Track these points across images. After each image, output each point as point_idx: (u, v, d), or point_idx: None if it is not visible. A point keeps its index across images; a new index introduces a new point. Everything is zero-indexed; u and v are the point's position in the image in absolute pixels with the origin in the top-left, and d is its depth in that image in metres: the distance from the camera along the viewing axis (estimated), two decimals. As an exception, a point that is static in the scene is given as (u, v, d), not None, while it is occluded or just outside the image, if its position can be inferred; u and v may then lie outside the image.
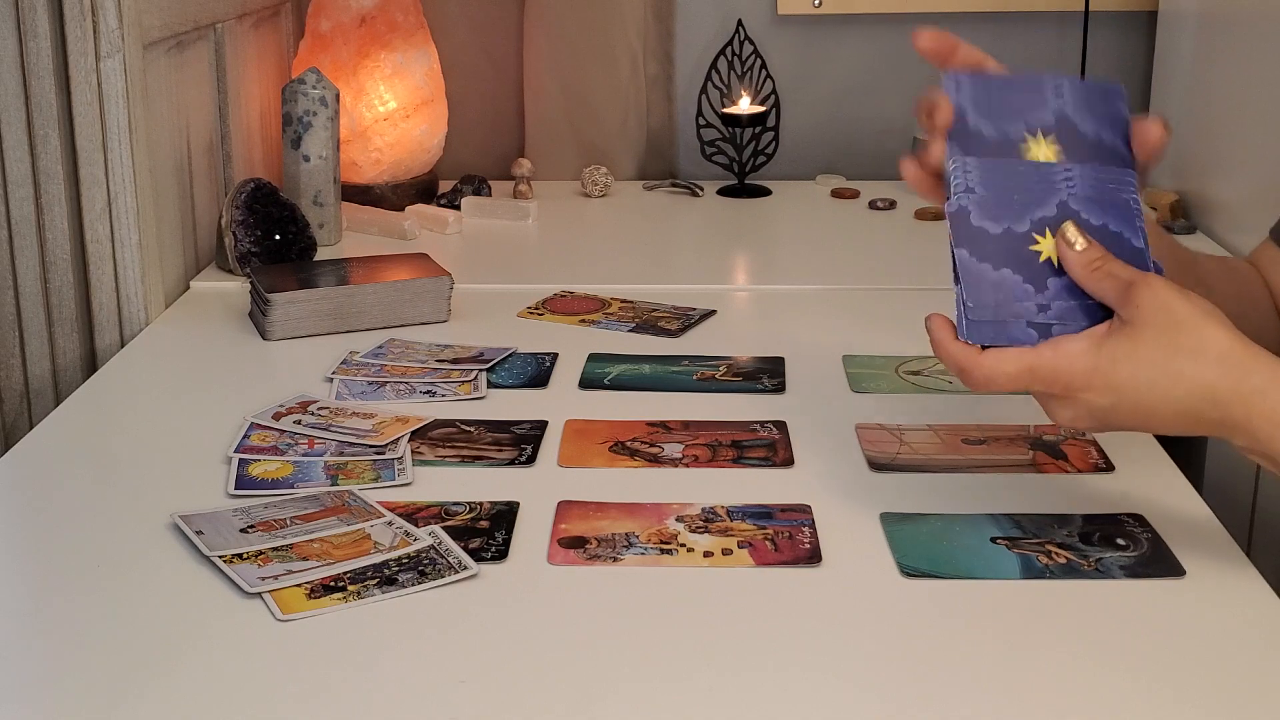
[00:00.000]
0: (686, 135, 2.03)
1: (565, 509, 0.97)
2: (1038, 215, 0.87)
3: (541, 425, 1.12)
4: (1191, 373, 0.80)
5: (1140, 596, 0.86)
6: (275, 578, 0.86)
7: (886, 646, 0.81)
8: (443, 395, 1.18)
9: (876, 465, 1.04)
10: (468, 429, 1.11)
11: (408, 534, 0.92)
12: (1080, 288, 0.85)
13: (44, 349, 1.35)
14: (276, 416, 1.12)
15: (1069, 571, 0.88)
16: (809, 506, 0.97)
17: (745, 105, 1.93)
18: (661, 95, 2.04)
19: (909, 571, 0.88)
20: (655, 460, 1.06)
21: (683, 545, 0.92)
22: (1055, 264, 0.86)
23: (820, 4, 1.99)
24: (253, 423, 1.11)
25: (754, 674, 0.78)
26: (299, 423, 1.10)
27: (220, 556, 0.89)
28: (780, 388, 1.20)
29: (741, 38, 1.96)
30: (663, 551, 0.91)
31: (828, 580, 0.88)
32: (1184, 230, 1.71)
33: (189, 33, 1.50)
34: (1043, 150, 0.89)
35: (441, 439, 1.09)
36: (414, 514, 0.96)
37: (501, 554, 0.91)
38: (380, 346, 1.29)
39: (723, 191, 1.93)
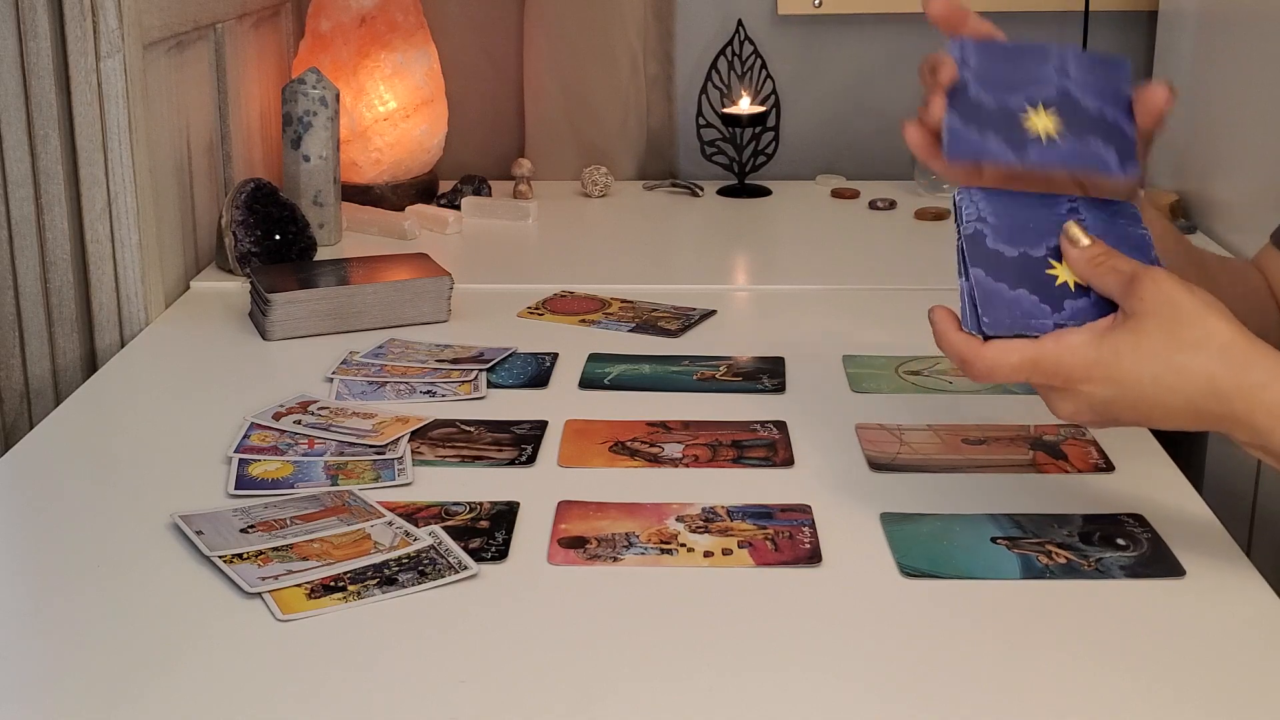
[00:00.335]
0: (686, 135, 2.03)
1: (565, 509, 0.97)
2: (1053, 244, 0.87)
3: (541, 425, 1.12)
4: (1194, 366, 0.80)
5: (1140, 596, 0.86)
6: (275, 578, 0.86)
7: (886, 646, 0.81)
8: (443, 395, 1.18)
9: (876, 465, 1.04)
10: (468, 429, 1.11)
11: (408, 534, 0.92)
12: (1096, 307, 0.85)
13: (44, 349, 1.35)
14: (276, 416, 1.12)
15: (1069, 571, 0.88)
16: (809, 506, 0.97)
17: (745, 105, 1.93)
18: (661, 95, 2.04)
19: (909, 571, 0.88)
20: (655, 460, 1.06)
21: (683, 545, 0.92)
22: (1072, 287, 0.85)
23: (820, 4, 1.99)
24: (253, 423, 1.11)
25: (754, 674, 0.78)
26: (299, 423, 1.10)
27: (220, 556, 0.89)
28: (780, 388, 1.20)
29: (741, 38, 1.96)
30: (663, 551, 0.91)
31: (828, 580, 0.88)
32: (1184, 230, 1.71)
33: (189, 33, 1.50)
34: (1043, 122, 0.89)
35: (441, 439, 1.09)
36: (414, 514, 0.96)
37: (501, 554, 0.91)
38: (380, 346, 1.30)
39: (723, 191, 1.93)
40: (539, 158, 1.98)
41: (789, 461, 1.05)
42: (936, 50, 0.90)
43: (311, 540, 0.91)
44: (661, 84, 2.03)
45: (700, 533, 0.94)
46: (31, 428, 1.17)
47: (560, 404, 1.16)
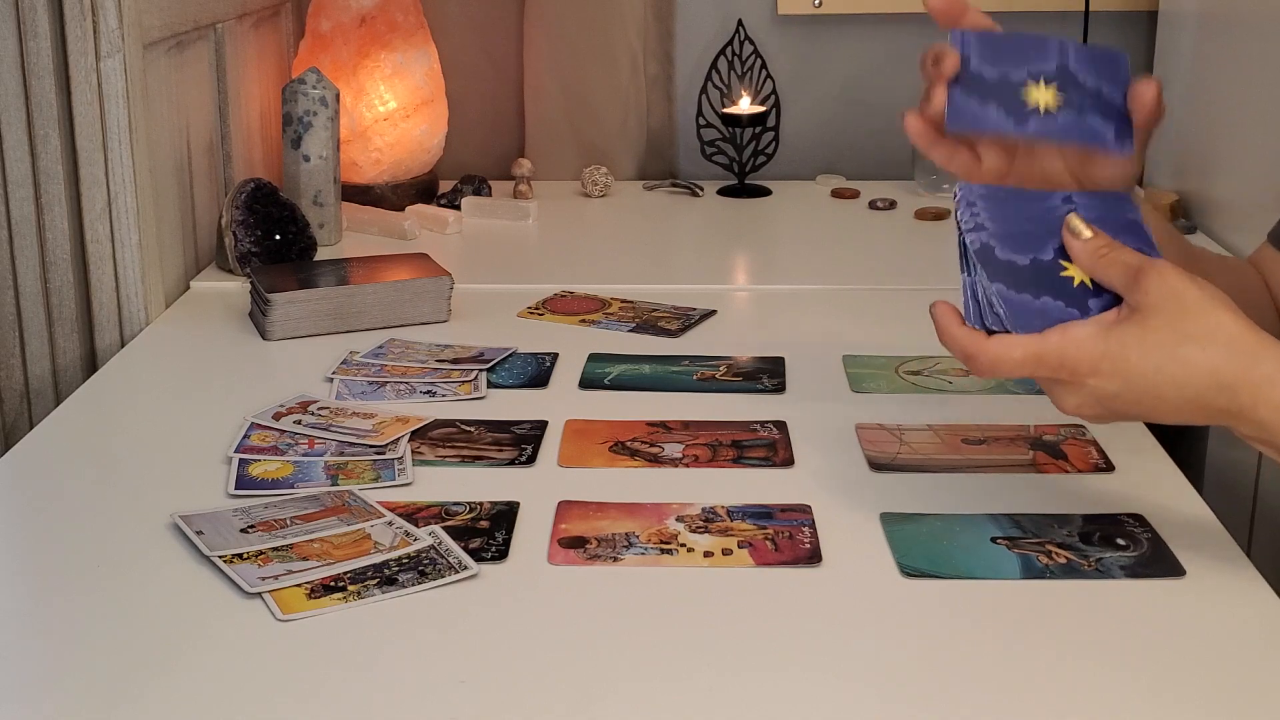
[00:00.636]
0: (686, 135, 2.03)
1: (565, 509, 0.97)
2: (1058, 244, 0.86)
3: (541, 425, 1.12)
4: (1200, 359, 0.80)
5: (1140, 596, 0.86)
6: (275, 578, 0.86)
7: (886, 646, 0.81)
8: (443, 395, 1.18)
9: (876, 465, 1.04)
10: (468, 429, 1.11)
11: (408, 534, 0.92)
12: (1118, 304, 0.85)
13: (44, 349, 1.35)
14: (276, 416, 1.12)
15: (1069, 571, 0.88)
16: (809, 506, 0.97)
17: (745, 105, 1.93)
18: (661, 95, 2.04)
19: (909, 571, 0.88)
20: (655, 460, 1.06)
21: (683, 545, 0.92)
22: (1090, 285, 0.85)
23: (820, 4, 1.99)
24: (253, 423, 1.11)
25: (754, 674, 0.78)
26: (299, 423, 1.11)
27: (220, 556, 0.89)
28: (780, 388, 1.20)
29: (741, 38, 1.96)
30: (663, 551, 0.91)
31: (828, 580, 0.88)
32: (1184, 230, 1.70)
33: (189, 33, 1.50)
34: (1043, 95, 0.89)
35: (441, 439, 1.09)
36: (414, 514, 0.96)
37: (501, 554, 0.91)
38: (380, 346, 1.30)
39: (723, 191, 1.93)
40: (539, 158, 1.98)
41: (789, 461, 1.05)
42: (943, 37, 0.91)
43: (311, 540, 0.91)
44: (661, 84, 2.03)
45: (700, 533, 0.94)
46: (31, 428, 1.17)
47: (560, 404, 1.16)
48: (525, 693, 0.76)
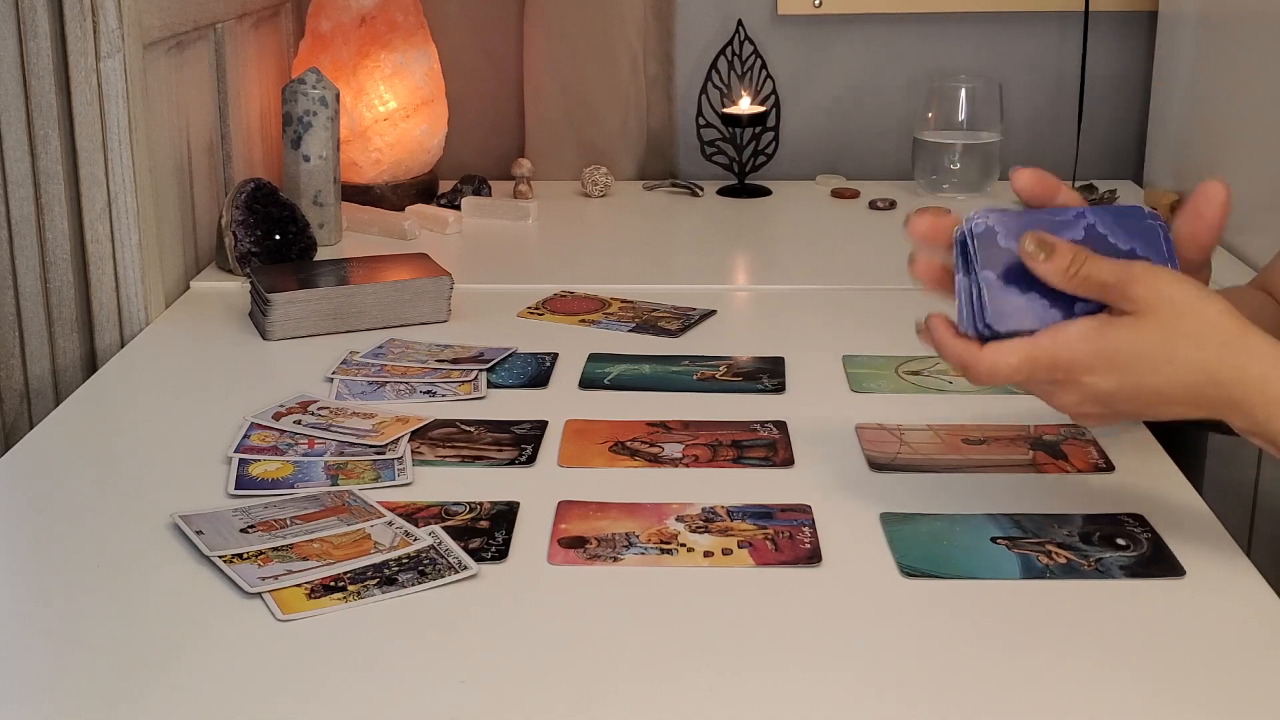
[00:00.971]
0: (686, 135, 2.03)
1: (565, 509, 0.97)
2: (1066, 237, 0.85)
3: (541, 425, 1.12)
4: (1194, 357, 0.81)
5: (1140, 596, 0.86)
6: (275, 578, 0.86)
7: (886, 646, 0.81)
8: (443, 395, 1.18)
9: (876, 465, 1.04)
10: (468, 429, 1.11)
11: (408, 534, 0.92)
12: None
13: (44, 349, 1.35)
14: (276, 416, 1.12)
15: (1069, 571, 0.88)
16: (809, 506, 0.97)
17: (745, 105, 1.93)
18: (661, 95, 2.04)
19: (909, 571, 0.88)
20: (655, 460, 1.06)
21: (683, 545, 0.92)
22: None
23: (820, 4, 1.99)
24: (253, 423, 1.11)
25: (754, 674, 0.78)
26: (299, 423, 1.11)
27: (220, 556, 0.89)
28: (780, 388, 1.20)
29: (741, 38, 1.96)
30: (663, 551, 0.91)
31: (828, 580, 0.88)
32: (1184, 230, 1.70)
33: (189, 33, 1.50)
34: None
35: (441, 439, 1.09)
36: (414, 514, 0.96)
37: (501, 554, 0.91)
38: (380, 346, 1.30)
39: (723, 191, 1.93)
40: (539, 158, 1.98)
41: (789, 461, 1.05)
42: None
43: (311, 540, 0.91)
44: (661, 84, 2.03)
45: (700, 533, 0.94)
46: (31, 428, 1.17)
47: (560, 404, 1.16)
48: (525, 693, 0.76)
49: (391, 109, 1.76)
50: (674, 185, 1.96)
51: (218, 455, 1.06)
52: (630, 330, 1.35)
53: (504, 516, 0.96)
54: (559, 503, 0.98)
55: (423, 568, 0.88)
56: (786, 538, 0.93)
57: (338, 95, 1.63)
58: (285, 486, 1.00)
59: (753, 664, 0.79)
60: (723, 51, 1.97)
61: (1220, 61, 1.70)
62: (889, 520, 0.95)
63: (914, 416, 1.13)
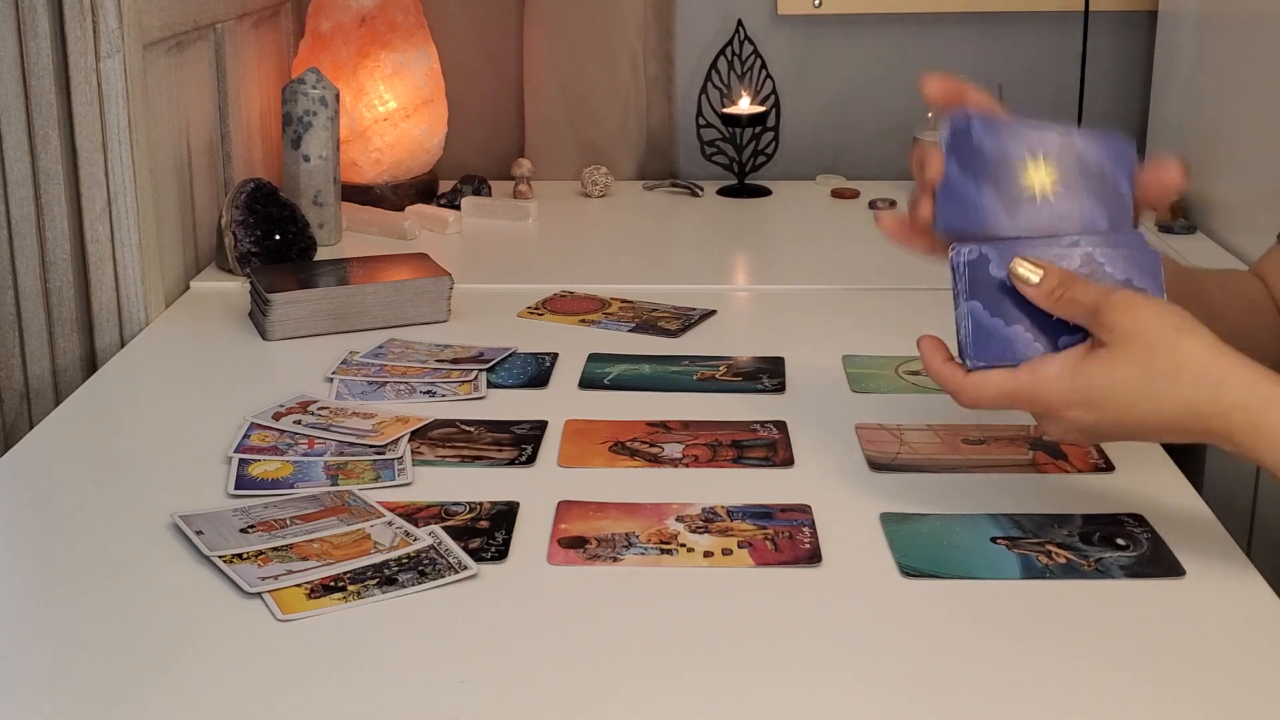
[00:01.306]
0: (686, 135, 2.03)
1: (565, 509, 0.97)
2: (1061, 264, 0.86)
3: (541, 425, 1.12)
4: (1169, 393, 0.81)
5: (1140, 596, 0.86)
6: (275, 578, 0.86)
7: (886, 646, 0.81)
8: (443, 395, 1.18)
9: (876, 465, 1.04)
10: (468, 429, 1.11)
11: (408, 534, 0.92)
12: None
13: (44, 349, 1.35)
14: (276, 416, 1.12)
15: (1069, 571, 0.88)
16: (809, 506, 0.97)
17: (745, 105, 1.93)
18: (661, 95, 2.04)
19: (909, 571, 0.88)
20: (655, 460, 1.06)
21: (683, 545, 0.92)
22: (1070, 323, 0.85)
23: (820, 4, 1.99)
24: (253, 423, 1.11)
25: (754, 674, 0.78)
26: (299, 423, 1.11)
27: (220, 556, 0.89)
28: (780, 388, 1.20)
29: (741, 38, 1.96)
30: (663, 551, 0.91)
31: (828, 580, 0.88)
32: (1184, 230, 1.71)
33: (189, 33, 1.50)
34: (1040, 174, 0.87)
35: (441, 439, 1.09)
36: (414, 514, 0.96)
37: (501, 554, 0.91)
38: (380, 346, 1.30)
39: (723, 191, 1.93)
40: (539, 158, 1.98)
41: (789, 461, 1.05)
42: (935, 50, 0.90)
43: (311, 540, 0.91)
44: (661, 84, 2.03)
45: (700, 533, 0.94)
46: (31, 428, 1.17)
47: (560, 404, 1.16)
48: (525, 693, 0.76)
49: (391, 109, 1.76)
50: (674, 185, 1.96)
51: (218, 455, 1.06)
52: (630, 330, 1.35)
53: (504, 516, 0.96)
54: (559, 503, 0.98)
55: (423, 568, 0.88)
56: (786, 538, 0.93)
57: (338, 95, 1.63)
58: (285, 486, 1.00)
59: (753, 664, 0.79)
60: (722, 51, 1.97)
61: (1220, 61, 1.70)
62: (889, 520, 0.95)
63: (914, 416, 1.13)
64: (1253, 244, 1.57)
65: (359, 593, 0.85)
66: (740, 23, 1.96)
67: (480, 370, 1.23)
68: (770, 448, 1.08)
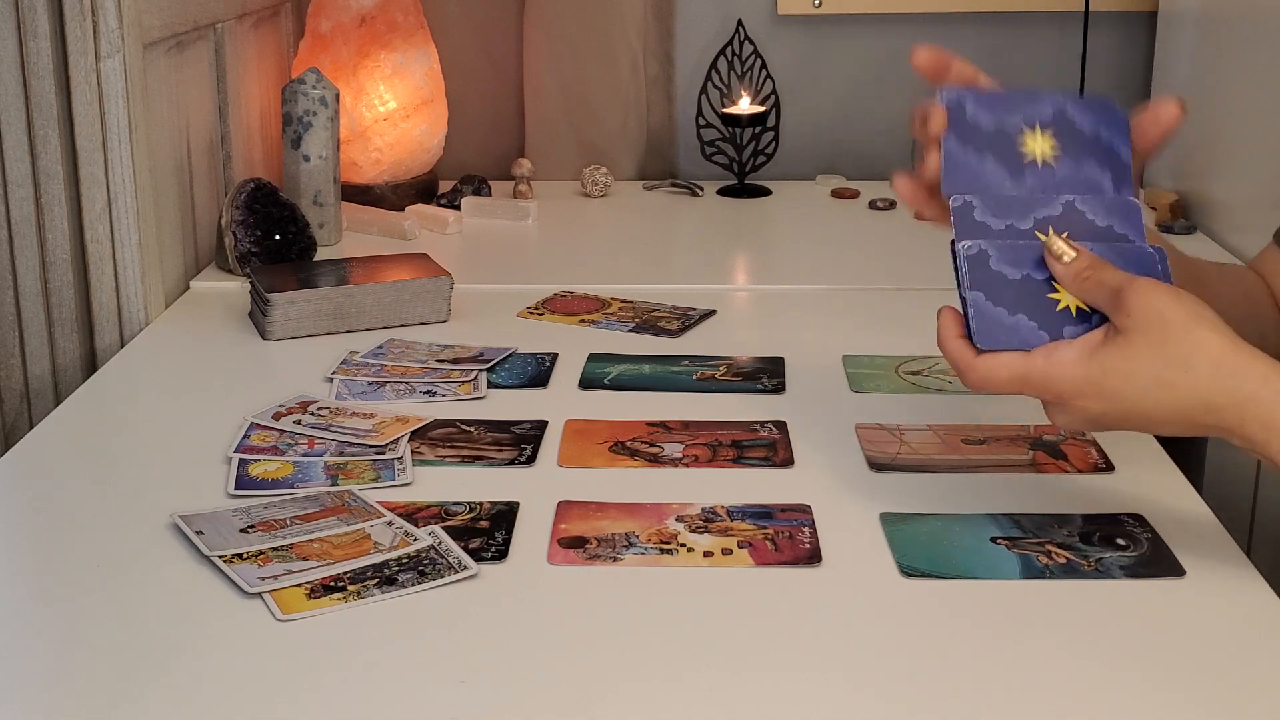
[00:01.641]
0: (686, 135, 2.03)
1: (565, 509, 0.97)
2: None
3: (541, 425, 1.12)
4: (1184, 382, 0.81)
5: (1140, 596, 0.86)
6: (275, 578, 0.86)
7: (886, 646, 0.81)
8: (443, 395, 1.18)
9: (876, 465, 1.04)
10: (468, 429, 1.11)
11: (408, 534, 0.92)
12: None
13: (44, 349, 1.35)
14: (276, 416, 1.12)
15: (1069, 571, 0.88)
16: (809, 506, 0.97)
17: (745, 105, 1.93)
18: (661, 95, 2.04)
19: (909, 571, 0.88)
20: (655, 460, 1.06)
21: (683, 545, 0.92)
22: (1074, 312, 0.85)
23: (820, 4, 1.99)
24: (253, 423, 1.11)
25: (754, 674, 0.78)
26: (299, 423, 1.11)
27: (220, 556, 0.89)
28: (780, 388, 1.20)
29: (741, 38, 1.96)
30: (663, 551, 0.91)
31: (828, 580, 0.88)
32: (1184, 230, 1.71)
33: (189, 33, 1.50)
34: (1039, 143, 0.89)
35: (441, 439, 1.09)
36: (414, 514, 0.96)
37: (501, 554, 0.91)
38: (380, 346, 1.30)
39: (723, 191, 1.93)
40: (539, 158, 1.98)
41: (789, 461, 1.05)
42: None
43: (311, 540, 0.91)
44: (661, 84, 2.03)
45: (700, 533, 0.94)
46: (31, 428, 1.17)
47: (560, 404, 1.16)
48: (525, 693, 0.76)
49: (391, 109, 1.76)
50: (674, 185, 1.96)
51: (218, 455, 1.06)
52: (630, 330, 1.35)
53: (504, 516, 0.96)
54: (559, 503, 0.98)
55: (423, 568, 0.88)
56: (786, 538, 0.93)
57: (338, 95, 1.63)
58: (285, 486, 1.00)
59: (753, 664, 0.79)
60: (723, 51, 1.97)
61: (1220, 61, 1.70)
62: (889, 520, 0.95)
63: (914, 416, 1.13)
64: (1253, 244, 1.57)
65: (359, 593, 0.85)
66: (740, 23, 1.96)
67: (480, 370, 1.23)
68: (770, 448, 1.08)
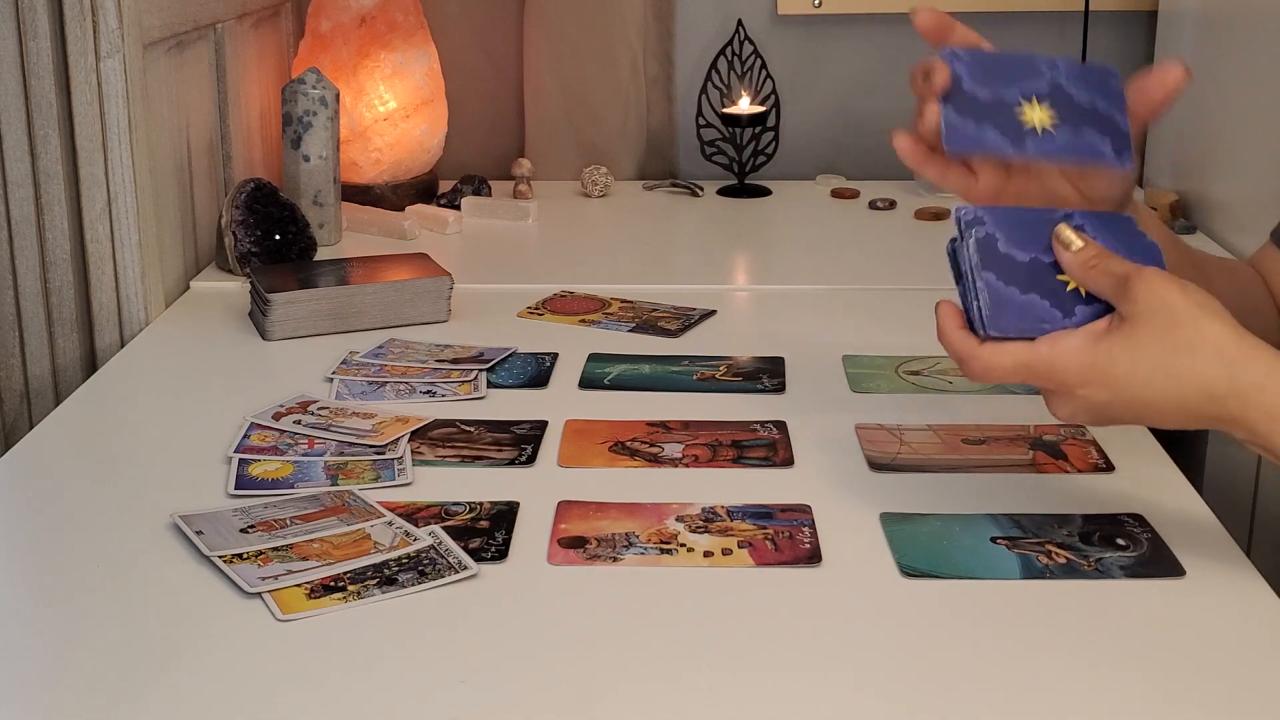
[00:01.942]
0: (686, 135, 2.03)
1: (565, 509, 0.97)
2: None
3: (541, 425, 1.12)
4: (1188, 370, 0.80)
5: (1140, 596, 0.86)
6: (275, 578, 0.86)
7: (886, 646, 0.81)
8: (443, 395, 1.18)
9: (876, 465, 1.04)
10: (468, 429, 1.11)
11: (408, 534, 0.92)
12: (1108, 312, 0.85)
13: (44, 349, 1.35)
14: (276, 416, 1.12)
15: (1069, 571, 0.88)
16: (809, 506, 0.97)
17: (745, 105, 1.93)
18: (661, 95, 2.04)
19: (909, 571, 0.88)
20: (655, 460, 1.06)
21: (683, 545, 0.92)
22: (1083, 293, 0.85)
23: (820, 4, 1.99)
24: (253, 423, 1.11)
25: (754, 674, 0.78)
26: (299, 423, 1.11)
27: (220, 556, 0.89)
28: (780, 388, 1.20)
29: (741, 38, 1.96)
30: (663, 551, 0.91)
31: (828, 580, 0.88)
32: (1184, 230, 1.71)
33: (189, 33, 1.50)
34: (1037, 114, 0.89)
35: (441, 439, 1.09)
36: (414, 514, 0.96)
37: (501, 554, 0.91)
38: (380, 346, 1.30)
39: (723, 191, 1.93)
40: (539, 158, 1.98)
41: (789, 461, 1.05)
42: (935, 50, 0.91)
43: (311, 540, 0.91)
44: (661, 84, 2.03)
45: (700, 533, 0.94)
46: (31, 428, 1.17)
47: (560, 404, 1.16)
48: (525, 693, 0.76)
49: (391, 109, 1.76)
50: (674, 185, 1.96)
51: (218, 455, 1.06)
52: (630, 330, 1.35)
53: (504, 516, 0.96)
54: (559, 503, 0.98)
55: (423, 568, 0.88)
56: (786, 538, 0.93)
57: (338, 95, 1.63)
58: (285, 486, 1.00)
59: (753, 664, 0.79)
60: (723, 51, 1.97)
61: (1220, 61, 1.69)
62: (889, 520, 0.95)
63: (914, 416, 1.13)
64: (1253, 244, 1.57)
65: (359, 593, 0.85)
66: (740, 23, 1.96)
67: (480, 370, 1.23)
68: (770, 448, 1.08)
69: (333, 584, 0.86)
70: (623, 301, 1.43)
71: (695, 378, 1.22)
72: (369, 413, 1.13)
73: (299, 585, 0.86)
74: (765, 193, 1.93)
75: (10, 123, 1.30)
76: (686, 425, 1.12)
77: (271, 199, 1.50)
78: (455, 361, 1.25)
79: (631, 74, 2.00)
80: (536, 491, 1.00)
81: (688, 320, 1.38)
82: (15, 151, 1.30)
